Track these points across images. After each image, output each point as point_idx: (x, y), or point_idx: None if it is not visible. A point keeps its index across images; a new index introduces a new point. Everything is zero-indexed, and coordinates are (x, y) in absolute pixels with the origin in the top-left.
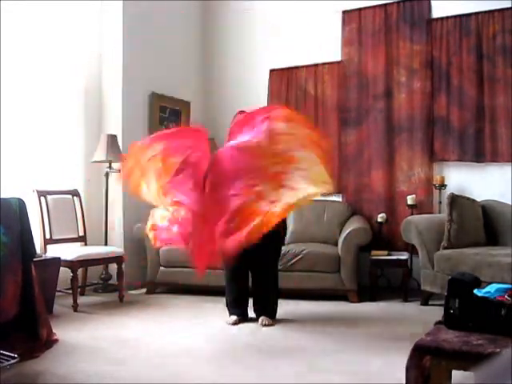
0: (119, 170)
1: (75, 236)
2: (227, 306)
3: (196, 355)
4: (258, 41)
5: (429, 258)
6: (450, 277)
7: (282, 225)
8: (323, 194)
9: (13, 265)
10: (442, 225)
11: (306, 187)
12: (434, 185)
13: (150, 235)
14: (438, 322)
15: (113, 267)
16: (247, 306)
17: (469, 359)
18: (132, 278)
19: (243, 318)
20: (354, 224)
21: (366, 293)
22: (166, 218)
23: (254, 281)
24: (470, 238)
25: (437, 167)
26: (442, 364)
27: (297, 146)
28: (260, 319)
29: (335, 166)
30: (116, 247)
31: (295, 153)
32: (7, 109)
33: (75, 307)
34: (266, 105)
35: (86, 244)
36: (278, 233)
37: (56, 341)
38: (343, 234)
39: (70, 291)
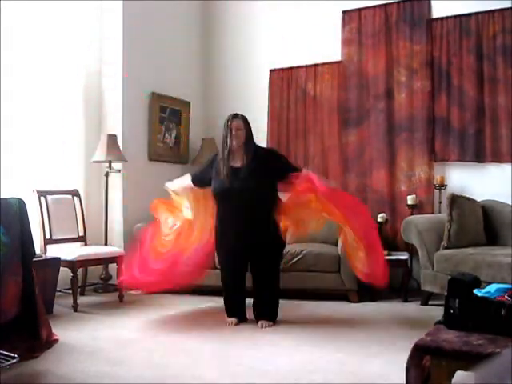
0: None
1: (75, 236)
2: (225, 308)
3: (196, 355)
4: (258, 41)
5: (429, 257)
6: (450, 277)
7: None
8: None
9: (13, 265)
10: (442, 225)
11: None
12: (434, 185)
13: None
14: (438, 322)
15: (113, 267)
16: (245, 309)
17: (469, 359)
18: None
19: (242, 321)
20: None
21: (366, 293)
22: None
23: (254, 284)
24: (469, 238)
25: (437, 167)
26: (442, 364)
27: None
28: (259, 323)
29: (336, 166)
30: (116, 247)
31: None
32: (7, 109)
33: (75, 307)
34: (266, 105)
35: (86, 244)
36: (278, 235)
37: (56, 341)
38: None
39: (70, 291)
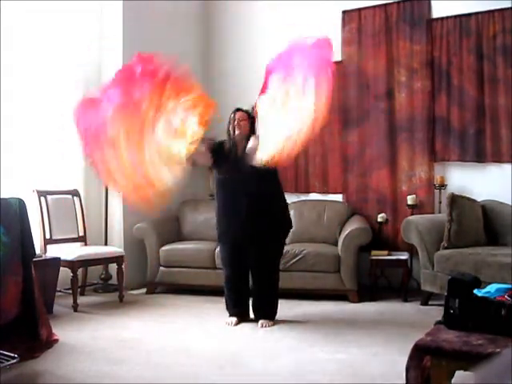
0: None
1: (75, 236)
2: (227, 306)
3: (196, 355)
4: (258, 41)
5: (429, 257)
6: (450, 277)
7: (286, 216)
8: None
9: (13, 265)
10: (442, 225)
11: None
12: (435, 185)
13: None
14: (438, 322)
15: (113, 267)
16: (248, 305)
17: (469, 359)
18: (132, 278)
19: (243, 318)
20: (354, 224)
21: (366, 293)
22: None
23: (253, 280)
24: (470, 238)
25: (437, 167)
26: (442, 364)
27: None
28: (259, 323)
29: (336, 166)
30: (116, 247)
31: None
32: (7, 109)
33: (75, 307)
34: None
35: (86, 244)
36: (280, 226)
37: (56, 341)
38: (343, 234)
39: (70, 291)
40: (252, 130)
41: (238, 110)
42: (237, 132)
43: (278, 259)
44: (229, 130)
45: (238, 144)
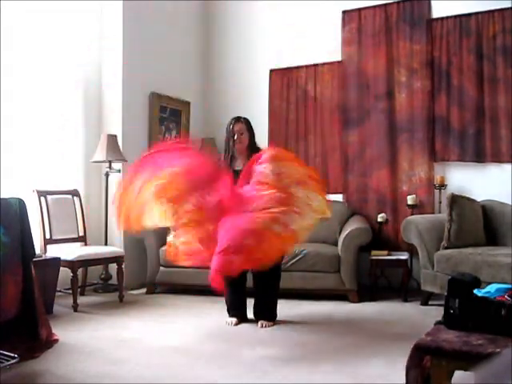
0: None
1: (75, 236)
2: (227, 307)
3: (196, 355)
4: (258, 41)
5: (429, 258)
6: (450, 277)
7: None
8: (323, 219)
9: (13, 265)
10: (442, 225)
11: (310, 214)
12: (435, 185)
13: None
14: (438, 322)
15: (113, 267)
16: (245, 308)
17: (469, 359)
18: (132, 278)
19: (243, 319)
20: (354, 224)
21: (366, 293)
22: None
23: (254, 281)
24: (470, 238)
25: (437, 167)
26: (442, 364)
27: (292, 183)
28: (259, 323)
29: (337, 165)
30: (116, 247)
31: (292, 189)
32: (7, 109)
33: (75, 307)
34: (266, 105)
35: (86, 244)
36: None
37: (56, 341)
38: (343, 234)
39: (70, 291)
40: (251, 140)
41: (237, 120)
42: (237, 147)
43: (280, 265)
44: (228, 142)
45: (238, 157)
